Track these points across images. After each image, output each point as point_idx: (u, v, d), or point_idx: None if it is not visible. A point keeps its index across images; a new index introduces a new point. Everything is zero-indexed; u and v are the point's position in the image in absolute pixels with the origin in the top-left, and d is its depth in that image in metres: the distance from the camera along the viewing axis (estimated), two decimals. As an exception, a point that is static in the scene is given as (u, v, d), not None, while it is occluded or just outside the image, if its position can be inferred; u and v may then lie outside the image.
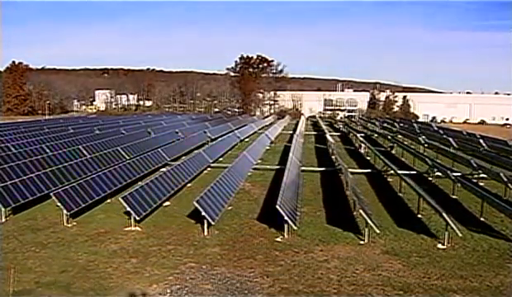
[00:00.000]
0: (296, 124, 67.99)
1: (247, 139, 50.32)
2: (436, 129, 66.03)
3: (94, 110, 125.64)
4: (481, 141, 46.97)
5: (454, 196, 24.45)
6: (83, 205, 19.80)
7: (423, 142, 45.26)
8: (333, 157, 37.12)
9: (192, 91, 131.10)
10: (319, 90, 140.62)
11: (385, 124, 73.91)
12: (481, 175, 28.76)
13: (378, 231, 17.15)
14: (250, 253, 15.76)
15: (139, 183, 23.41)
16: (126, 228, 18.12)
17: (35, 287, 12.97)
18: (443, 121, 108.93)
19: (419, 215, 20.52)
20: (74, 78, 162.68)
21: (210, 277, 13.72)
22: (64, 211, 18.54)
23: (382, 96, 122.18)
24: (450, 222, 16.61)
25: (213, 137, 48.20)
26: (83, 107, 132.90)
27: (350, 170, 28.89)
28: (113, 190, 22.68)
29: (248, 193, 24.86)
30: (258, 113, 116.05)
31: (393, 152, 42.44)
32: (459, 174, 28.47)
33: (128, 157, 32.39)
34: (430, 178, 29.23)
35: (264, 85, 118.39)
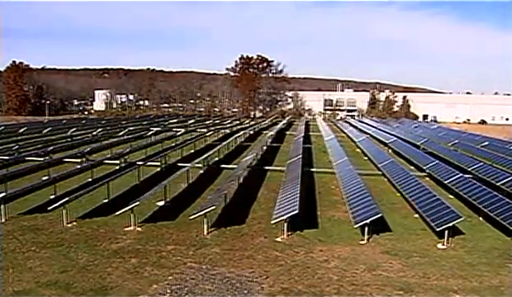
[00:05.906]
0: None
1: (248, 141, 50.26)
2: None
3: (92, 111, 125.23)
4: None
5: None
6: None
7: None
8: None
9: (192, 91, 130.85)
10: (319, 90, 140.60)
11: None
12: None
13: None
14: (250, 253, 15.75)
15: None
16: (126, 228, 18.11)
17: (35, 287, 12.95)
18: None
19: None
20: (74, 78, 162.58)
21: (210, 277, 13.69)
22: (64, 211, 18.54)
23: (382, 96, 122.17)
24: None
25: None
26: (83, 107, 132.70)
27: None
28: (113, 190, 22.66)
29: (248, 193, 24.86)
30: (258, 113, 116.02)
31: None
32: None
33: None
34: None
35: (264, 85, 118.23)
